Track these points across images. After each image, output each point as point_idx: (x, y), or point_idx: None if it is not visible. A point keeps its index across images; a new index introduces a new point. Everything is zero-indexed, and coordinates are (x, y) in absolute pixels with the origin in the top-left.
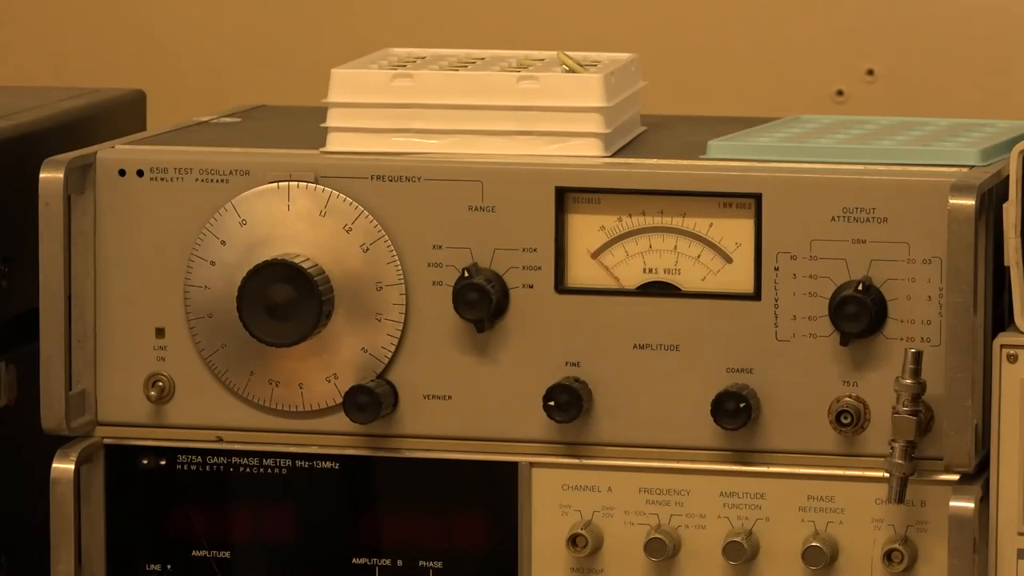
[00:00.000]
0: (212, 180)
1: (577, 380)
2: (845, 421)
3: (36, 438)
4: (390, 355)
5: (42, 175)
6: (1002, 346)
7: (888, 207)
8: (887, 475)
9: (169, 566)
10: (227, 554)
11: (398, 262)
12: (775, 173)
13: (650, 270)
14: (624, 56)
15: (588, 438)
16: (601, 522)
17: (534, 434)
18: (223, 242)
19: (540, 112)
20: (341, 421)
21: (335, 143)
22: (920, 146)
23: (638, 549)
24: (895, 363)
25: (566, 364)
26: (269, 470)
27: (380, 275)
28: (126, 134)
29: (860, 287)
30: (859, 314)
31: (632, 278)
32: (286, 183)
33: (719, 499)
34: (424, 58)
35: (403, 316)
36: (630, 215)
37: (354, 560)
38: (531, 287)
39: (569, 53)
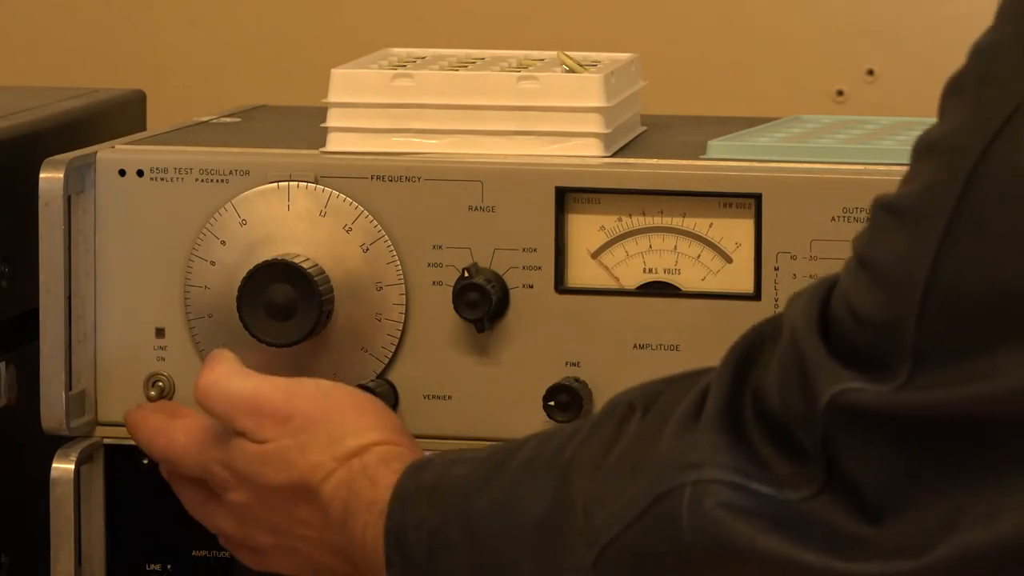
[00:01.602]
0: (212, 180)
1: (577, 380)
2: None
3: (36, 438)
4: (390, 355)
5: (42, 175)
6: None
7: None
8: None
9: (169, 566)
10: (227, 554)
11: (398, 262)
12: (775, 173)
13: (650, 270)
14: (624, 56)
15: None
16: None
17: None
18: (223, 242)
19: (540, 112)
20: None
21: (335, 143)
22: None
23: None
24: None
25: (566, 364)
26: None
27: (380, 275)
28: (126, 134)
29: None
30: None
31: (632, 278)
32: (286, 183)
33: None
34: (424, 58)
35: (403, 316)
36: (630, 215)
37: None
38: (531, 287)
39: (569, 53)
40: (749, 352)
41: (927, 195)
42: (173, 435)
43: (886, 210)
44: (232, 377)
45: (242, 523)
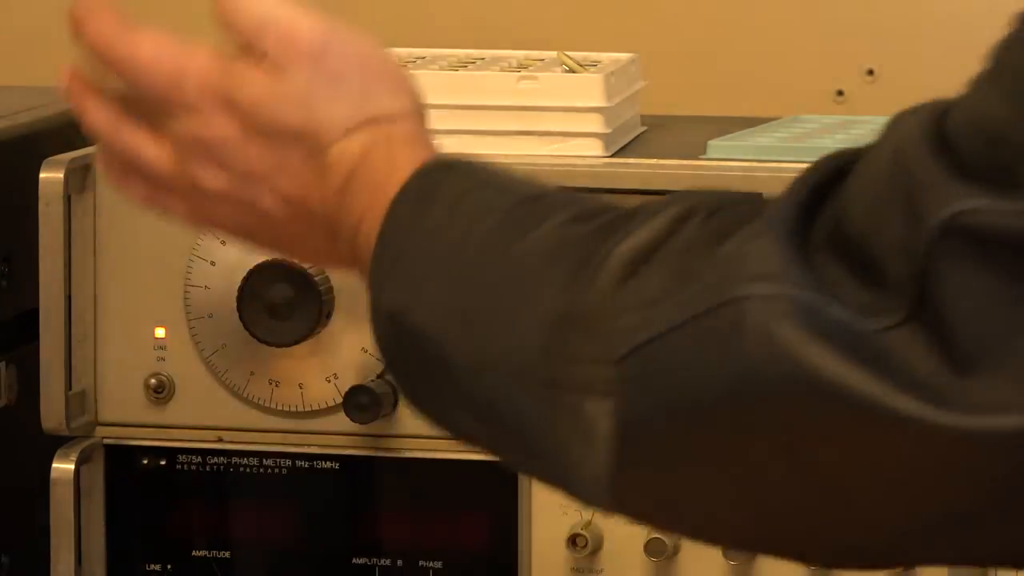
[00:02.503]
0: None
1: None
2: None
3: (36, 438)
4: None
5: (42, 175)
6: None
7: None
8: None
9: (169, 566)
10: (227, 554)
11: None
12: (775, 173)
13: None
14: (624, 56)
15: None
16: (601, 522)
17: None
18: (223, 242)
19: (540, 112)
20: (341, 421)
21: None
22: None
23: (638, 549)
24: None
25: None
26: (269, 470)
27: None
28: None
29: None
30: None
31: None
32: None
33: None
34: (424, 58)
35: None
36: None
37: (354, 560)
38: None
39: (569, 53)
40: (828, 175)
41: None
42: (140, 43)
43: None
44: None
45: (192, 155)
